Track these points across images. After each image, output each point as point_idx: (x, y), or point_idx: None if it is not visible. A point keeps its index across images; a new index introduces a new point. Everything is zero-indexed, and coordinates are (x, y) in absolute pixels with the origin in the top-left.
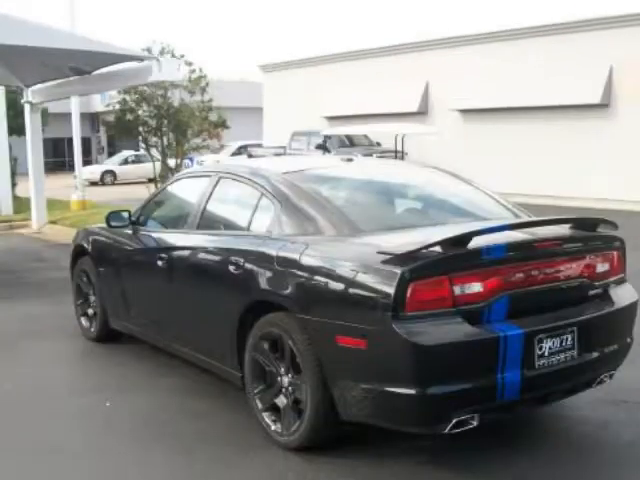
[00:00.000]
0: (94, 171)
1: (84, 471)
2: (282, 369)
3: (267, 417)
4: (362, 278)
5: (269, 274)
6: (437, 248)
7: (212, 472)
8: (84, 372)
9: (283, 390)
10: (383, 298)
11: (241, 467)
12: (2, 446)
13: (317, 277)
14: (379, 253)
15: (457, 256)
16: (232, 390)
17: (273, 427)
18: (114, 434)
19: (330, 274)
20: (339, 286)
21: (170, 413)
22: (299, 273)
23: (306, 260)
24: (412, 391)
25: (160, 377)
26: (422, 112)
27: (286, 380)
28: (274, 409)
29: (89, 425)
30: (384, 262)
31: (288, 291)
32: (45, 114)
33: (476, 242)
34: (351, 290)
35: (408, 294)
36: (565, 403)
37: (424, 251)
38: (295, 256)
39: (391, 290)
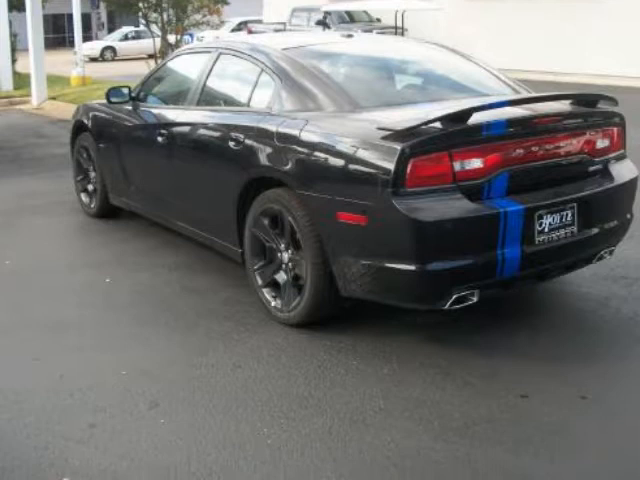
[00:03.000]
0: (94, 47)
1: (84, 345)
2: (282, 245)
3: (267, 293)
4: (362, 154)
5: (269, 150)
6: (437, 124)
7: (211, 347)
8: (84, 248)
9: (283, 266)
10: (383, 174)
11: (240, 343)
12: (3, 322)
13: (317, 153)
14: (379, 129)
15: (457, 132)
16: (232, 267)
17: (273, 303)
18: (114, 310)
19: (330, 150)
20: (339, 162)
21: (170, 290)
22: (299, 149)
23: (306, 136)
24: (412, 267)
25: (160, 254)
26: None
27: (286, 256)
28: (274, 285)
29: (89, 300)
30: (384, 138)
31: (288, 167)
32: None
33: (476, 118)
34: (351, 166)
35: (408, 170)
36: (565, 279)
37: (424, 127)
38: (295, 132)
39: (391, 166)
